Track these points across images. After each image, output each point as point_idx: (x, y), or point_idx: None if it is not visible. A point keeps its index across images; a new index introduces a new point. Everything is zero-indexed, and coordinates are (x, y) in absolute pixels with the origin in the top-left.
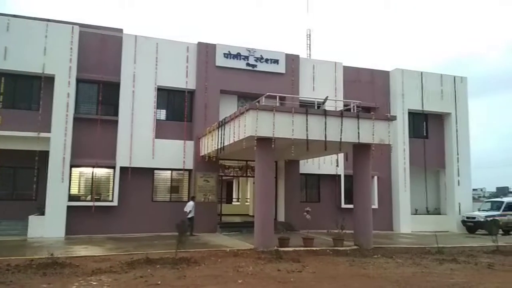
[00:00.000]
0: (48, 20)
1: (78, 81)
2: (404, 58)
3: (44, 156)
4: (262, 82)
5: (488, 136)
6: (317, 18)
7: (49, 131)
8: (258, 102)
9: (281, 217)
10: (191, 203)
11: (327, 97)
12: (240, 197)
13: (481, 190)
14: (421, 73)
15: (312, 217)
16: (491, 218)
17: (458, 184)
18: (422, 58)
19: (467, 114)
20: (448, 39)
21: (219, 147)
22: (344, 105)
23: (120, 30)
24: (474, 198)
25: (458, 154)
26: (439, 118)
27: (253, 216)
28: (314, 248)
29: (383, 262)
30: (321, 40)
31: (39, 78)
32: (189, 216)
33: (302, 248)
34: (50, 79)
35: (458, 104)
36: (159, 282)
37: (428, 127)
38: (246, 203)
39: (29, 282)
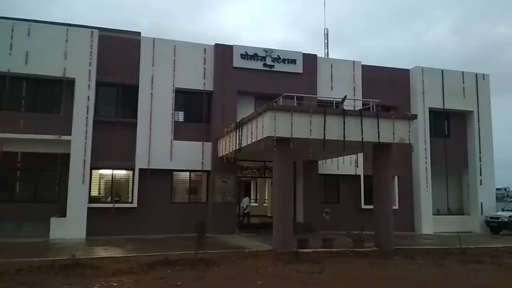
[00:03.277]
0: (68, 25)
1: (98, 84)
2: (425, 55)
3: (65, 158)
4: (280, 82)
5: None
6: (334, 15)
7: (70, 134)
8: (276, 102)
9: (300, 218)
10: (247, 199)
11: (346, 96)
12: (258, 198)
13: (505, 189)
14: (442, 70)
15: (332, 218)
16: None
17: (481, 184)
18: (446, 53)
19: (489, 112)
20: (474, 32)
21: (237, 148)
22: (363, 105)
23: (138, 33)
24: (497, 198)
25: (480, 153)
26: (461, 117)
27: (271, 217)
28: (333, 249)
29: (404, 263)
30: (339, 38)
31: (60, 82)
32: (246, 211)
33: (321, 249)
34: (70, 83)
35: (480, 102)
36: (179, 283)
37: (449, 126)
38: (264, 204)
39: (51, 283)
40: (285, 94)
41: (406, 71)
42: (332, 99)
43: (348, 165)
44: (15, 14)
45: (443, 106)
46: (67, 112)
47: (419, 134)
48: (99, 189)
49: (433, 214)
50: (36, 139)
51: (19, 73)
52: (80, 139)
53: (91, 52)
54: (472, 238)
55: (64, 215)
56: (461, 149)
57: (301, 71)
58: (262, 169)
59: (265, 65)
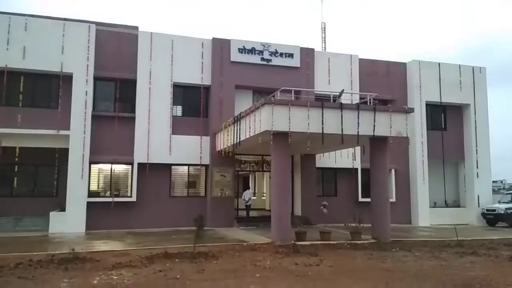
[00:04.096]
0: (65, 19)
1: (96, 79)
2: (423, 47)
3: (64, 153)
4: (277, 76)
5: (509, 127)
6: (331, 8)
7: (68, 129)
8: (274, 96)
9: (298, 211)
10: (248, 192)
11: (343, 90)
12: (256, 191)
13: (501, 182)
14: (439, 64)
15: (329, 211)
16: (511, 211)
17: (477, 176)
18: (442, 47)
19: (486, 105)
20: (471, 25)
21: (235, 142)
22: (360, 98)
23: (136, 28)
24: (494, 190)
25: (477, 146)
26: (458, 110)
27: (269, 210)
28: (331, 242)
29: (401, 255)
30: (336, 32)
31: (57, 76)
32: (249, 203)
33: (319, 242)
34: (68, 78)
35: (477, 95)
36: (178, 276)
37: (446, 119)
38: (263, 198)
39: (51, 277)
40: (283, 88)
41: (403, 65)
42: (330, 93)
43: (346, 158)
44: (7, 8)
45: (440, 99)
46: (65, 107)
47: (416, 127)
48: (98, 183)
49: (430, 207)
50: (34, 134)
51: (17, 68)
52: (78, 133)
53: (88, 46)
54: (469, 230)
55: (64, 210)
56: (457, 142)
57: (299, 65)
58: (260, 163)
59: (262, 59)
